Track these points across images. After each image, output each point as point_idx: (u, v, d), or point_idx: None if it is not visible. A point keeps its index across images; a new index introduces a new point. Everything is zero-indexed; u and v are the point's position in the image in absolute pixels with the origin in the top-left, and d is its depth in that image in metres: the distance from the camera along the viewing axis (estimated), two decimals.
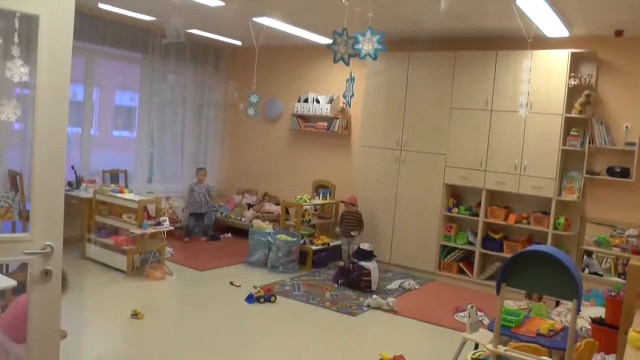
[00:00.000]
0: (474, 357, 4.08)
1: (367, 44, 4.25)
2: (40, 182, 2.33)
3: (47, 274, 2.34)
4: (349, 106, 6.87)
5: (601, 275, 6.45)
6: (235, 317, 5.48)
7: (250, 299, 5.87)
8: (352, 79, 6.29)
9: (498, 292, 3.28)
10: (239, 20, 6.94)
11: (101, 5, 6.86)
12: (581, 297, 3.05)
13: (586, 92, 6.31)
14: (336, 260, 7.61)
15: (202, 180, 8.49)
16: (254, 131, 9.50)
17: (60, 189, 2.43)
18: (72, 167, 7.23)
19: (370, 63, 7.46)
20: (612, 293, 4.80)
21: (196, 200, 8.41)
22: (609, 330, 4.56)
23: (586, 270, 6.53)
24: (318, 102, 8.54)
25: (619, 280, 6.11)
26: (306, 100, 8.66)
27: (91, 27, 7.35)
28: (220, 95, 9.64)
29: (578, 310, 3.07)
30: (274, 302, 5.90)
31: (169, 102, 8.77)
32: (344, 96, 6.27)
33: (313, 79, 8.86)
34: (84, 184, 7.29)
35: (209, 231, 8.63)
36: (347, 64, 4.38)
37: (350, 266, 6.71)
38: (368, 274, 6.57)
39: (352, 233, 7.57)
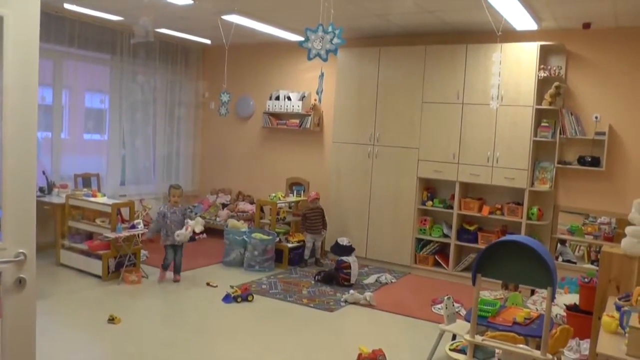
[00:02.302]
0: (452, 348, 4.12)
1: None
2: (11, 188, 2.27)
3: (20, 282, 2.30)
4: (320, 102, 6.86)
5: (575, 263, 6.58)
6: (213, 317, 5.45)
7: (227, 299, 5.84)
8: (322, 75, 6.28)
9: (474, 283, 3.32)
10: (208, 19, 6.88)
11: (67, 6, 6.75)
12: (555, 285, 3.11)
13: (556, 83, 6.40)
14: (310, 257, 7.57)
15: (178, 203, 6.56)
16: (226, 130, 9.45)
17: (32, 195, 2.38)
18: (43, 173, 7.09)
19: (341, 58, 7.54)
20: (586, 280, 4.90)
21: (172, 230, 6.35)
22: (583, 316, 4.67)
23: (560, 259, 6.65)
24: (289, 99, 8.50)
25: (592, 267, 6.24)
26: (277, 98, 8.61)
27: (58, 28, 7.21)
28: (191, 95, 9.55)
29: (553, 298, 3.12)
30: (251, 301, 5.88)
31: (139, 103, 8.65)
32: (317, 92, 6.25)
33: (284, 76, 8.83)
34: (55, 189, 7.17)
35: (180, 268, 6.57)
36: (325, 60, 4.36)
37: (334, 267, 6.70)
38: (348, 266, 6.59)
39: (322, 232, 7.56)
